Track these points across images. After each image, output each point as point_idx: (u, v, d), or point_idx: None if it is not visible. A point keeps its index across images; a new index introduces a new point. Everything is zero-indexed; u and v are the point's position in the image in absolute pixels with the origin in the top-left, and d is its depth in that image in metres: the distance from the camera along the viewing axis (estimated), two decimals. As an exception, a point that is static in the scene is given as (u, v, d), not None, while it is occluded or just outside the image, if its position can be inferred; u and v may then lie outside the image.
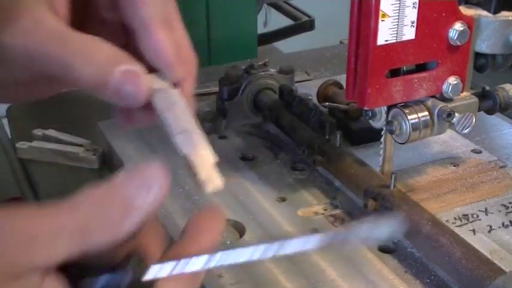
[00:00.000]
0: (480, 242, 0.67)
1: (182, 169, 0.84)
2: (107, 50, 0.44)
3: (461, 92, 0.70)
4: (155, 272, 0.39)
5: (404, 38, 0.65)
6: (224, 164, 0.82)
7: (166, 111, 0.44)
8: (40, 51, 0.44)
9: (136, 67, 0.44)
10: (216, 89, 0.97)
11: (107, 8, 0.49)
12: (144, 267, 0.39)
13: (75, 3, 0.48)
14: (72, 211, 0.37)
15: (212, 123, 0.89)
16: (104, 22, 0.50)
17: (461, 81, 0.70)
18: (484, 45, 0.69)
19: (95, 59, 0.43)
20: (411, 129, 0.69)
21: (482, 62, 0.71)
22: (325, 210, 0.74)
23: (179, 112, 0.45)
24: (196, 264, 0.40)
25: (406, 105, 0.69)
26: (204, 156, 0.45)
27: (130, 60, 0.45)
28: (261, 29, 1.39)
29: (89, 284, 0.37)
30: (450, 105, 0.69)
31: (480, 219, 0.71)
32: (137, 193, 0.38)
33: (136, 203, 0.38)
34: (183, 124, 0.44)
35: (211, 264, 0.40)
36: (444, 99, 0.70)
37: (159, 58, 0.46)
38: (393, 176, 0.69)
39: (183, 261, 0.40)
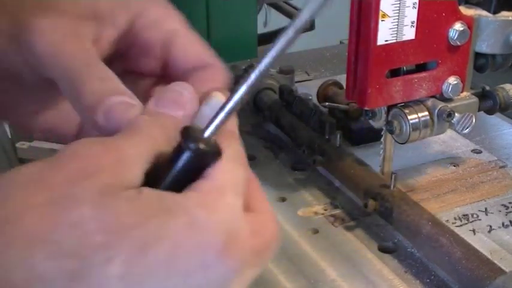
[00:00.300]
0: (480, 242, 0.67)
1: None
2: (114, 82, 0.44)
3: (461, 92, 0.70)
4: (212, 121, 0.38)
5: (405, 38, 0.65)
6: (224, 164, 0.82)
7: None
8: (61, 57, 0.45)
9: (135, 102, 0.43)
10: (216, 89, 0.97)
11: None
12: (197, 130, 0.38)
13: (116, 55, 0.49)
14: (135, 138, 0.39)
15: (212, 123, 0.89)
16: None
17: (461, 81, 0.70)
18: (484, 45, 0.69)
19: (97, 86, 0.43)
20: (411, 129, 0.69)
21: (482, 62, 0.71)
22: (325, 210, 0.74)
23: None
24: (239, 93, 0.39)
25: (406, 105, 0.69)
26: None
27: (130, 94, 0.44)
28: (261, 29, 1.39)
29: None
30: (450, 105, 0.69)
31: (480, 219, 0.71)
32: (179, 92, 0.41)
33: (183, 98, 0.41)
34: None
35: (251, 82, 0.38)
36: (444, 99, 0.70)
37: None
38: (393, 176, 0.69)
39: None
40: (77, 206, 0.33)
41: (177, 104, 0.41)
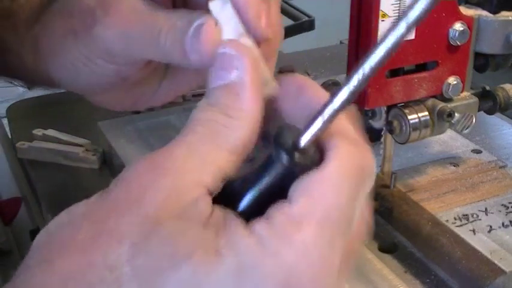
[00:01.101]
0: (480, 242, 0.67)
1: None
2: (186, 15, 0.42)
3: (461, 92, 0.70)
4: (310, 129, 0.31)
5: (405, 38, 0.65)
6: (224, 164, 0.82)
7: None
8: (136, 35, 0.45)
9: (211, 20, 0.40)
10: (216, 89, 0.97)
11: None
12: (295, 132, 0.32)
13: None
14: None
15: (212, 123, 0.89)
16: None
17: (461, 81, 0.70)
18: (484, 45, 0.69)
19: (174, 26, 0.42)
20: (411, 129, 0.69)
21: (482, 62, 0.71)
22: (325, 210, 0.74)
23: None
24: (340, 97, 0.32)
25: (406, 105, 0.69)
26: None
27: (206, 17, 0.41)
28: (261, 29, 1.38)
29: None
30: (450, 105, 0.69)
31: (480, 219, 0.71)
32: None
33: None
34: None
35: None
36: (444, 99, 0.70)
37: (249, 10, 0.40)
38: (393, 176, 0.69)
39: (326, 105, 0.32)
40: (116, 244, 0.30)
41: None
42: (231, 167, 0.33)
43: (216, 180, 0.32)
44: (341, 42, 1.39)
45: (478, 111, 0.73)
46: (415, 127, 0.69)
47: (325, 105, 0.32)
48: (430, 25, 0.66)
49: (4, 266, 1.15)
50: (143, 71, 0.49)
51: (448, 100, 0.70)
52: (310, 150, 0.31)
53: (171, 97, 0.54)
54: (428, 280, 0.63)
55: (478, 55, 0.70)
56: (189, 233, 0.30)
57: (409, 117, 0.69)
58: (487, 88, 0.74)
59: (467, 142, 0.86)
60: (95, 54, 0.48)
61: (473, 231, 0.69)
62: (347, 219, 0.31)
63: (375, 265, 0.65)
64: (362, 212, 0.33)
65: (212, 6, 0.38)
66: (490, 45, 0.69)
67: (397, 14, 0.64)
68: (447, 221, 0.70)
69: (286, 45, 1.67)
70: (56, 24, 0.51)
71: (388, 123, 0.70)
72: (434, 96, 0.70)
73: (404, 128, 0.69)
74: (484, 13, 0.68)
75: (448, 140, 0.86)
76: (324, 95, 0.35)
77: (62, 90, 0.59)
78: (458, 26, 0.66)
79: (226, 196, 0.32)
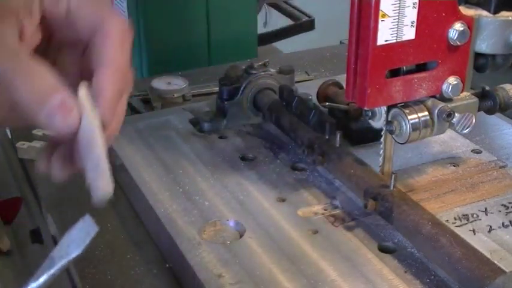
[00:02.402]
0: (480, 242, 0.67)
1: (182, 169, 0.84)
2: (48, 80, 0.50)
3: (461, 92, 0.70)
4: None
5: (404, 38, 0.65)
6: (224, 164, 0.82)
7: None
8: (20, 94, 0.50)
9: (70, 99, 0.50)
10: (216, 89, 0.98)
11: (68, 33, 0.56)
12: None
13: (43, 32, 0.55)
14: None
15: (212, 123, 0.89)
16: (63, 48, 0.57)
17: (461, 81, 0.70)
18: (484, 45, 0.69)
19: (35, 86, 0.48)
20: (411, 129, 0.69)
21: (482, 62, 0.71)
22: (325, 210, 0.74)
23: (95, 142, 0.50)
24: None
25: (406, 105, 0.69)
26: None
27: (67, 92, 0.50)
28: (261, 29, 1.39)
29: None
30: (450, 105, 0.69)
31: (480, 219, 0.71)
32: None
33: None
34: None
35: None
36: (444, 99, 0.70)
37: (100, 99, 0.51)
38: (393, 176, 0.69)
39: None
40: None
41: None
42: None
43: None
44: (341, 42, 1.39)
45: (478, 111, 0.73)
46: (415, 127, 0.69)
47: None
48: (430, 25, 0.66)
49: (4, 266, 1.15)
50: None
51: (448, 100, 0.70)
52: None
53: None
54: (428, 280, 0.63)
55: (478, 55, 0.70)
56: None
57: (409, 117, 0.69)
58: (487, 88, 0.74)
59: (467, 142, 0.86)
60: None
61: (473, 231, 0.69)
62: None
63: (374, 265, 0.65)
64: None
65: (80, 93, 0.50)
66: (490, 45, 0.69)
67: (397, 14, 0.64)
68: (447, 221, 0.70)
69: (286, 45, 1.68)
70: None
71: (388, 123, 0.70)
72: (434, 96, 0.70)
73: (404, 128, 0.69)
74: (484, 13, 0.68)
75: (448, 140, 0.86)
76: None
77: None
78: (458, 26, 0.66)
79: None
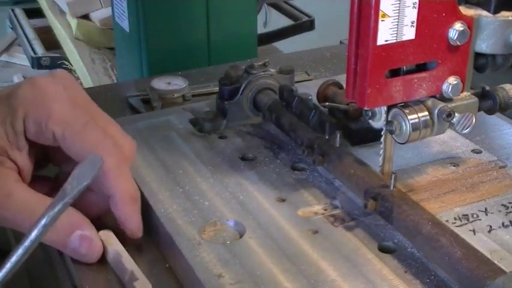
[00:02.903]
0: (480, 242, 0.67)
1: (182, 169, 0.84)
2: (67, 218, 0.60)
3: (461, 92, 0.70)
4: None
5: (404, 38, 0.65)
6: (224, 164, 0.82)
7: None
8: (12, 222, 0.60)
9: (91, 232, 0.63)
10: (216, 89, 0.98)
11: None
12: None
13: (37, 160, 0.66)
14: None
15: (212, 123, 0.89)
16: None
17: (461, 81, 0.70)
18: (484, 45, 0.69)
19: (56, 227, 0.55)
20: (411, 129, 0.69)
21: (482, 62, 0.71)
22: (325, 210, 0.74)
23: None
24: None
25: (406, 105, 0.69)
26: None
27: (87, 226, 0.63)
28: (261, 29, 1.39)
29: None
30: (450, 105, 0.69)
31: (480, 219, 0.71)
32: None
33: None
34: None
35: None
36: (444, 99, 0.70)
37: (123, 223, 0.68)
38: (393, 176, 0.69)
39: None
40: None
41: None
42: None
43: None
44: (341, 42, 1.39)
45: (478, 111, 0.73)
46: (415, 127, 0.69)
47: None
48: (430, 25, 0.66)
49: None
50: None
51: (448, 100, 0.70)
52: None
53: None
54: (428, 280, 0.63)
55: (478, 55, 0.70)
56: None
57: (409, 117, 0.69)
58: (487, 88, 0.74)
59: (467, 142, 0.86)
60: None
61: (473, 231, 0.69)
62: None
63: (374, 265, 0.65)
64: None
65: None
66: (490, 45, 0.69)
67: (397, 14, 0.64)
68: (447, 221, 0.70)
69: (286, 45, 1.68)
70: None
71: (388, 123, 0.70)
72: (434, 96, 0.70)
73: (404, 128, 0.69)
74: (484, 13, 0.68)
75: (448, 140, 0.86)
76: None
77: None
78: (458, 26, 0.66)
79: None
